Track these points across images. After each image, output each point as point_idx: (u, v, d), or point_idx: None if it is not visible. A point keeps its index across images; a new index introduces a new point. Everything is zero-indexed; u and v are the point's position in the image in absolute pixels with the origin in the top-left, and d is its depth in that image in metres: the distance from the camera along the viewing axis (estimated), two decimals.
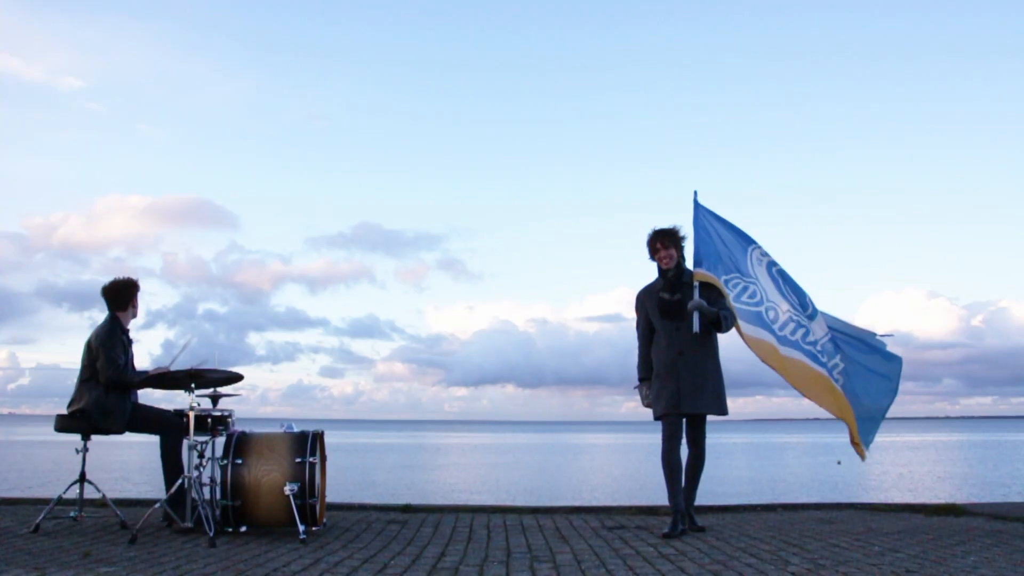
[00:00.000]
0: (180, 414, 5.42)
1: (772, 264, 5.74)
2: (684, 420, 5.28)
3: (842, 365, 5.56)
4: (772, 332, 5.43)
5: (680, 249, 5.44)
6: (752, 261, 5.68)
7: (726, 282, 5.46)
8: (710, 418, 5.34)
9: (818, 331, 5.59)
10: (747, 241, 5.77)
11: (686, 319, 5.26)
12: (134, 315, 5.75)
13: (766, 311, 5.50)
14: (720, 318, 5.24)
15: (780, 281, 5.69)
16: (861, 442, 5.41)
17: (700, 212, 5.75)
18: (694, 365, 5.21)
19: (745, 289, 5.51)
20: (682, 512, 5.17)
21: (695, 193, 5.79)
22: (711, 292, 5.36)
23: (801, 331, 5.53)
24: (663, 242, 5.40)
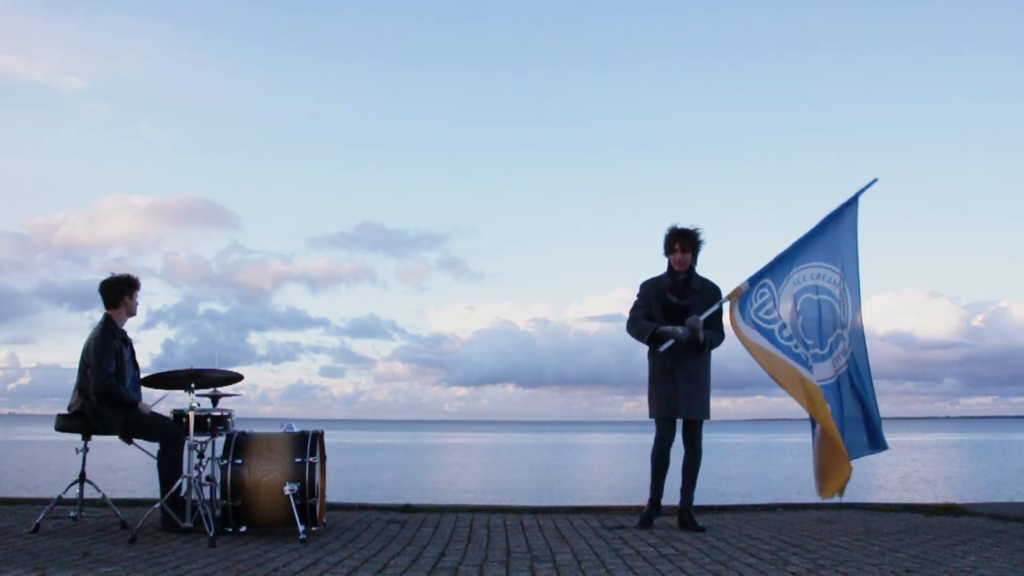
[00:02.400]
0: (179, 414, 5.38)
1: (802, 292, 5.47)
2: (678, 423, 5.34)
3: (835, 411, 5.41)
4: (776, 343, 5.36)
5: (696, 254, 5.37)
6: (788, 283, 5.45)
7: (757, 287, 5.38)
8: None
9: (823, 372, 5.42)
10: (820, 256, 5.52)
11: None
12: (130, 314, 5.59)
13: (779, 330, 5.38)
14: (706, 342, 5.23)
15: (801, 317, 5.43)
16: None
17: (847, 208, 5.55)
18: (690, 371, 5.25)
19: (765, 304, 5.40)
20: (658, 505, 5.38)
21: (873, 181, 5.56)
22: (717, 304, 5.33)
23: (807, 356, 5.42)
24: (682, 244, 5.28)
